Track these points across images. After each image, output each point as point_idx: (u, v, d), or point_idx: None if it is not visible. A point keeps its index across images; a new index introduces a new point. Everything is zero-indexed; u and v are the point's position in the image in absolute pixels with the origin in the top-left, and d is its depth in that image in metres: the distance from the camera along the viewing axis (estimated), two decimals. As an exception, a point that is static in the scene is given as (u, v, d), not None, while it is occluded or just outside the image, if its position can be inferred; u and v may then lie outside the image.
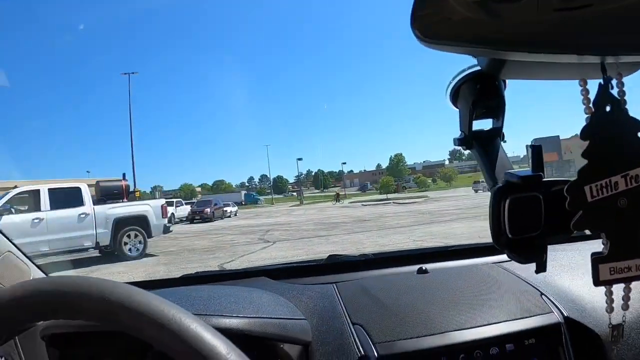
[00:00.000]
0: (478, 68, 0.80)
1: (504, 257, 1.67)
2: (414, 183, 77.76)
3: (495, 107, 0.88)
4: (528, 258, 0.78)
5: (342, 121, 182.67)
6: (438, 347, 1.19)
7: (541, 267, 0.79)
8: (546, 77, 0.78)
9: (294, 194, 74.16)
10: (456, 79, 0.87)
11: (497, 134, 0.90)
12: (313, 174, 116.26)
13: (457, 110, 0.91)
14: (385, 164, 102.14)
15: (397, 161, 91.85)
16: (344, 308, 1.38)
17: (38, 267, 1.56)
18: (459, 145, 0.90)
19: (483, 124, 0.91)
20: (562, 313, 1.28)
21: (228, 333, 1.01)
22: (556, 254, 1.61)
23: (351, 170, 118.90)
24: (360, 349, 1.21)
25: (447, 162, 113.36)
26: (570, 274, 1.48)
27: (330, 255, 1.96)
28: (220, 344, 0.61)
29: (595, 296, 1.30)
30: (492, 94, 0.86)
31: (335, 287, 1.54)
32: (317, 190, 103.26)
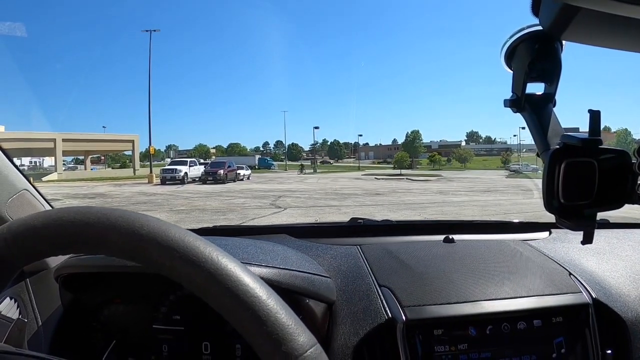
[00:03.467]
0: (539, 27, 0.76)
1: (532, 235, 1.68)
2: (429, 160, 77.70)
3: (550, 70, 0.84)
4: (579, 225, 0.77)
5: (362, 93, 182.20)
6: (467, 316, 1.16)
7: (588, 238, 0.77)
8: (613, 44, 0.72)
9: (309, 162, 74.40)
10: (514, 37, 0.83)
11: (549, 99, 0.86)
12: (329, 143, 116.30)
13: (510, 71, 0.87)
14: (401, 140, 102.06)
15: (413, 138, 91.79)
16: (369, 269, 1.36)
17: (52, 207, 1.52)
18: (509, 107, 0.87)
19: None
20: (590, 294, 1.26)
21: None
22: (580, 238, 1.57)
23: (367, 143, 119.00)
24: (388, 311, 1.18)
25: (463, 143, 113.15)
26: (597, 258, 1.47)
27: (352, 218, 1.91)
28: (259, 288, 0.57)
29: (620, 282, 1.34)
30: (550, 55, 0.82)
31: (359, 248, 1.51)
32: (331, 160, 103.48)
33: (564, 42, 0.81)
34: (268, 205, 16.07)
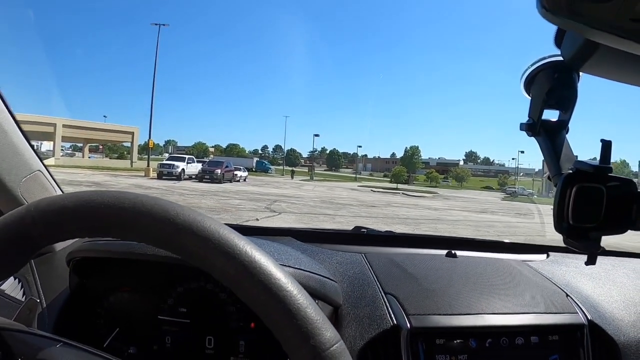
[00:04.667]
0: (560, 58, 0.80)
1: (530, 256, 1.73)
2: (426, 177, 77.61)
3: (567, 98, 0.88)
4: (585, 247, 0.81)
5: (365, 105, 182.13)
6: (469, 327, 1.20)
7: (592, 259, 0.83)
8: (630, 80, 0.76)
9: (306, 169, 74.24)
10: (535, 65, 0.87)
11: (563, 126, 0.90)
12: (327, 152, 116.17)
13: (528, 98, 0.91)
14: (400, 154, 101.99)
15: (412, 153, 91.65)
16: (375, 277, 1.38)
17: (62, 192, 1.54)
18: (525, 130, 0.91)
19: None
20: (586, 316, 1.30)
21: None
22: (578, 262, 1.67)
23: (365, 155, 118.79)
24: (394, 318, 1.21)
25: (461, 163, 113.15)
26: (592, 282, 1.52)
27: (356, 227, 1.95)
28: (290, 283, 0.58)
29: (614, 306, 1.38)
30: (568, 85, 0.86)
31: (364, 256, 1.54)
32: (328, 169, 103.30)
33: (581, 73, 0.85)
34: (263, 208, 16.00)
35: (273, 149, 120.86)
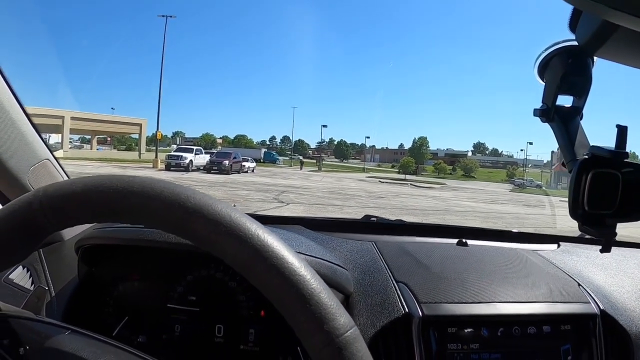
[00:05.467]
0: (574, 42, 0.79)
1: (541, 246, 1.72)
2: (434, 168, 77.40)
3: (581, 84, 0.88)
4: (601, 233, 0.81)
5: (373, 96, 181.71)
6: (481, 316, 1.19)
7: (608, 247, 0.83)
8: None
9: (313, 160, 74.13)
10: (549, 50, 0.87)
11: (577, 112, 0.90)
12: (335, 143, 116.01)
13: (542, 83, 0.91)
14: (408, 145, 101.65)
15: (420, 144, 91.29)
16: (386, 265, 1.38)
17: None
18: (539, 116, 0.91)
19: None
20: (598, 306, 1.28)
21: None
22: (590, 252, 1.66)
23: (373, 146, 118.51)
24: (405, 306, 1.20)
25: (470, 154, 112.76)
26: (604, 273, 1.50)
27: (365, 215, 1.95)
28: (304, 268, 0.56)
29: (626, 297, 1.37)
30: (582, 70, 0.86)
31: (375, 244, 1.53)
32: (337, 160, 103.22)
33: (595, 58, 0.84)
34: (271, 199, 16.06)
35: (281, 140, 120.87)
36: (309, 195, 19.57)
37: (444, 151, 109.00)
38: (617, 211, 0.78)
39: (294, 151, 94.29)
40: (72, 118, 38.44)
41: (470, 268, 1.37)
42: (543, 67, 0.89)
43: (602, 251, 0.83)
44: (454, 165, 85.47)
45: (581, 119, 0.89)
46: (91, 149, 53.36)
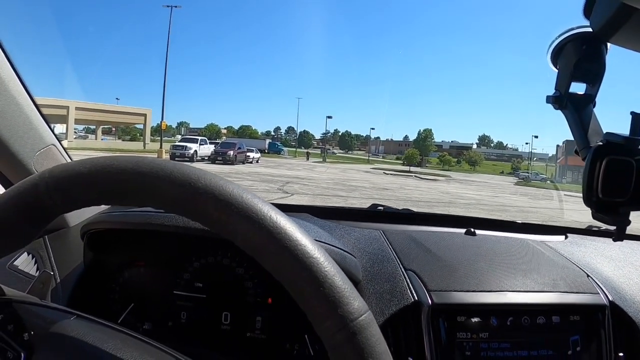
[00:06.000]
0: (588, 29, 0.79)
1: (548, 237, 1.71)
2: (439, 160, 77.34)
3: (595, 71, 0.87)
4: (615, 221, 0.80)
5: (378, 87, 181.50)
6: (491, 305, 1.19)
7: (621, 235, 0.82)
8: None
9: (318, 150, 74.09)
10: (563, 36, 0.86)
11: (590, 99, 0.89)
12: (340, 134, 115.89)
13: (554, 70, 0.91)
14: (413, 137, 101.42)
15: (425, 136, 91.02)
16: (394, 253, 1.37)
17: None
18: (552, 103, 0.90)
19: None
20: (607, 297, 1.28)
21: None
22: (598, 244, 1.66)
23: (378, 137, 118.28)
24: (414, 294, 1.20)
25: (474, 146, 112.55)
26: (612, 265, 1.50)
27: (373, 204, 1.95)
28: (317, 250, 0.55)
29: (634, 289, 1.36)
30: (596, 57, 0.85)
31: (382, 233, 1.53)
32: (341, 151, 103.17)
33: (609, 45, 0.83)
34: (275, 189, 16.07)
35: (285, 130, 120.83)
36: (314, 186, 19.57)
37: (449, 143, 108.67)
38: (631, 199, 0.77)
39: (298, 142, 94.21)
40: (77, 108, 38.41)
41: (479, 257, 1.37)
42: (556, 53, 0.89)
43: (615, 239, 0.83)
44: (459, 157, 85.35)
45: (594, 106, 0.88)
46: (96, 139, 53.34)
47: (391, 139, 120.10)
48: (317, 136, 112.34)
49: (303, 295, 0.54)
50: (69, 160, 1.50)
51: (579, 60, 0.84)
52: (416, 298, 1.19)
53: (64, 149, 1.51)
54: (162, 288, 1.30)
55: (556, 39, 0.87)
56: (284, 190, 15.91)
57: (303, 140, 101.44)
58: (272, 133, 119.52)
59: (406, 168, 54.30)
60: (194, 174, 0.56)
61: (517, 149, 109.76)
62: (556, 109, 0.90)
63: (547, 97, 0.90)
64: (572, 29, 0.84)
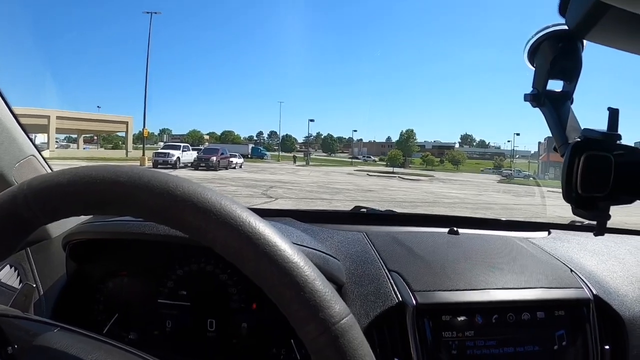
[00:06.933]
0: (564, 27, 0.80)
1: (532, 234, 1.73)
2: (422, 160, 77.66)
3: (571, 68, 0.88)
4: (595, 216, 0.80)
5: (359, 89, 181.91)
6: (476, 303, 1.20)
7: (602, 229, 0.82)
8: (637, 49, 0.75)
9: (301, 154, 74.12)
10: (539, 34, 0.87)
11: (568, 96, 0.90)
12: (322, 137, 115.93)
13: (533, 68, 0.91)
14: (395, 138, 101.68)
15: (407, 136, 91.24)
16: (377, 255, 1.38)
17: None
18: (530, 101, 0.91)
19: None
20: (591, 291, 1.30)
21: None
22: (581, 239, 1.69)
23: (361, 139, 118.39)
24: (399, 295, 1.21)
25: (457, 145, 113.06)
26: (595, 259, 1.52)
27: (356, 206, 1.96)
28: (297, 255, 0.55)
29: (618, 282, 1.39)
30: (572, 54, 0.86)
31: (365, 235, 1.53)
32: (324, 154, 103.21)
33: (585, 42, 0.84)
34: (259, 194, 16.06)
35: (268, 135, 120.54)
36: (298, 189, 19.58)
37: (432, 143, 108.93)
38: (610, 194, 0.78)
39: (281, 146, 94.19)
40: (58, 117, 38.19)
41: (463, 256, 1.38)
42: (533, 52, 0.89)
43: (596, 234, 0.83)
44: (442, 157, 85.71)
45: (572, 103, 0.89)
46: (78, 148, 53.02)
47: (374, 141, 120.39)
48: (300, 140, 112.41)
49: (284, 300, 0.54)
50: (49, 171, 1.48)
51: (555, 57, 0.85)
52: (400, 299, 1.19)
53: (44, 159, 1.50)
54: (146, 297, 1.30)
55: (532, 37, 0.88)
56: (268, 195, 15.92)
57: (286, 145, 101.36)
58: (255, 138, 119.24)
59: (389, 169, 54.45)
60: (172, 182, 0.56)
61: (499, 147, 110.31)
62: (534, 106, 0.90)
63: (525, 95, 0.91)
64: (548, 27, 0.85)
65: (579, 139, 0.78)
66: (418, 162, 76.64)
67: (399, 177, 38.18)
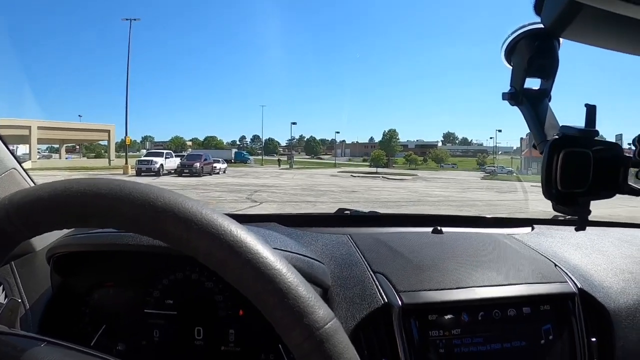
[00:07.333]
0: (540, 25, 0.81)
1: (515, 230, 1.75)
2: (405, 159, 77.90)
3: (548, 67, 0.89)
4: (575, 212, 0.82)
5: (340, 90, 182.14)
6: (461, 301, 1.21)
7: (583, 225, 0.83)
8: (612, 45, 0.77)
9: (285, 157, 74.04)
10: (516, 33, 0.88)
11: (545, 94, 0.91)
12: (305, 139, 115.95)
13: (510, 66, 0.92)
14: (378, 138, 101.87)
15: (390, 136, 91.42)
16: (362, 257, 1.39)
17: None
18: (508, 99, 0.92)
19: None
20: (575, 284, 1.31)
21: None
22: (564, 234, 1.69)
23: (343, 140, 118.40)
24: (384, 296, 1.21)
25: (440, 144, 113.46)
26: (579, 252, 1.54)
27: (339, 209, 1.97)
28: (279, 261, 0.56)
29: (602, 275, 1.40)
30: (549, 53, 0.87)
31: (350, 237, 1.54)
32: (307, 156, 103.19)
33: (561, 40, 0.85)
34: (244, 199, 16.02)
35: (251, 139, 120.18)
36: (282, 193, 19.55)
37: (414, 142, 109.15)
38: (590, 189, 0.79)
39: (264, 150, 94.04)
40: (39, 127, 37.90)
41: (447, 255, 1.39)
42: (510, 51, 0.90)
43: (577, 229, 0.85)
44: (425, 156, 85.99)
45: (549, 100, 0.91)
46: (60, 158, 52.65)
47: (357, 142, 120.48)
48: (283, 143, 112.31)
49: (268, 308, 0.55)
50: (31, 184, 1.48)
51: (532, 56, 0.86)
52: (386, 300, 1.20)
53: (26, 171, 1.48)
54: (133, 307, 1.29)
55: (509, 36, 0.89)
56: (253, 200, 15.86)
57: (269, 148, 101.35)
58: (238, 142, 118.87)
59: (373, 169, 54.52)
60: (152, 193, 0.56)
61: (482, 144, 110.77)
62: (512, 105, 0.92)
63: (503, 94, 0.92)
64: (524, 26, 0.86)
65: (556, 137, 0.80)
66: (401, 162, 76.83)
67: (382, 177, 38.24)
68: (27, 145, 37.92)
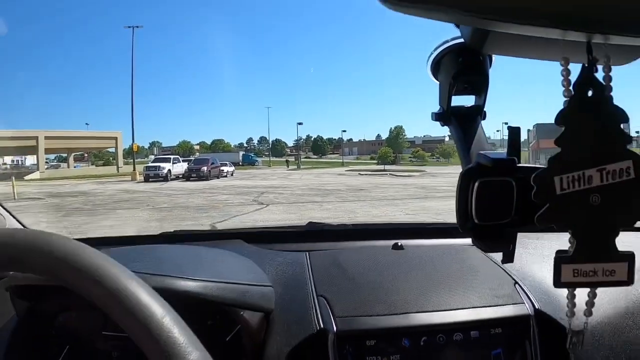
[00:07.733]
0: (462, 40, 0.75)
1: None
2: (413, 155, 77.58)
3: (477, 83, 0.84)
4: (494, 247, 0.75)
5: (345, 89, 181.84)
6: (400, 328, 1.18)
7: (508, 258, 0.75)
8: (530, 55, 0.73)
9: (292, 158, 73.72)
10: (437, 50, 0.82)
11: (477, 111, 0.86)
12: (312, 139, 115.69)
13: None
14: (385, 135, 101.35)
15: (396, 133, 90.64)
16: (311, 278, 1.38)
17: (14, 217, 1.55)
18: (436, 120, 0.86)
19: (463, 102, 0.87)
20: (533, 305, 1.26)
21: (182, 295, 1.02)
22: (537, 242, 1.62)
23: (350, 139, 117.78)
24: (320, 322, 1.20)
25: (447, 139, 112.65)
26: (548, 264, 1.44)
27: (309, 222, 1.96)
28: (156, 305, 0.60)
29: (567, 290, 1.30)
30: (475, 69, 0.81)
31: (307, 255, 1.54)
32: (314, 156, 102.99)
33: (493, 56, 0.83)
34: (251, 201, 16.11)
35: (258, 140, 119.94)
36: (289, 194, 19.56)
37: (421, 138, 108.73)
38: (515, 220, 0.70)
39: (271, 151, 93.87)
40: (47, 137, 38.03)
41: (399, 275, 1.38)
42: (435, 67, 0.85)
43: (503, 262, 0.76)
44: (432, 152, 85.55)
45: (484, 118, 0.86)
46: (68, 167, 52.80)
47: (364, 140, 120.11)
48: (290, 143, 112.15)
49: (146, 350, 0.60)
50: (4, 213, 1.51)
51: (457, 72, 0.81)
52: (321, 326, 1.18)
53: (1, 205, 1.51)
54: (92, 330, 1.32)
55: (433, 52, 0.83)
56: (259, 202, 15.89)
57: (276, 149, 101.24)
58: (245, 145, 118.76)
59: (381, 167, 54.29)
60: (57, 244, 0.64)
61: (489, 137, 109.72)
62: (442, 125, 0.87)
63: (432, 114, 0.88)
64: (447, 41, 0.80)
65: (471, 166, 0.73)
66: (407, 158, 76.48)
67: (390, 174, 38.09)
68: (35, 156, 38.08)
